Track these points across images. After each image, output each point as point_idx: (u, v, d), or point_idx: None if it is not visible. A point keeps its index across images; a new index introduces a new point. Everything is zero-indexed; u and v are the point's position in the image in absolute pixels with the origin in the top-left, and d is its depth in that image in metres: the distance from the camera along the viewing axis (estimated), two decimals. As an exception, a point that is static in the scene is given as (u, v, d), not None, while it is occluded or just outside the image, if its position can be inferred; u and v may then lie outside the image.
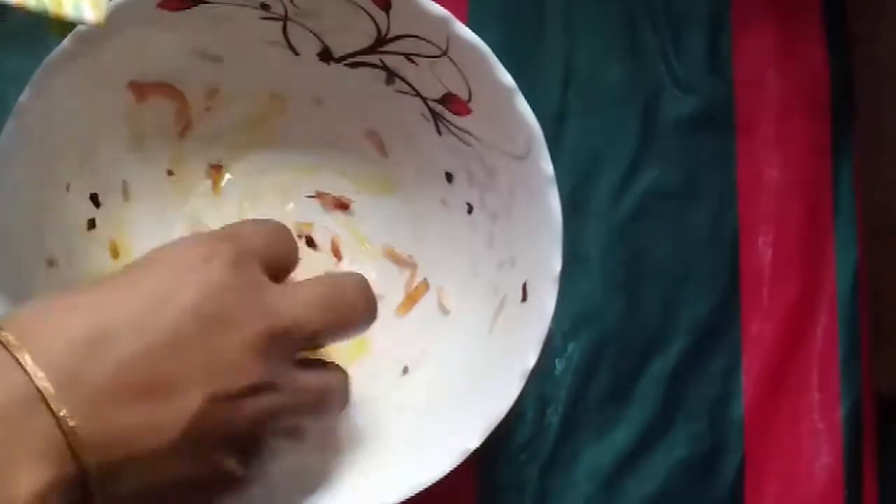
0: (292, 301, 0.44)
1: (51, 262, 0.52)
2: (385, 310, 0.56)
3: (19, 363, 0.38)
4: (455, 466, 0.48)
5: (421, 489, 0.48)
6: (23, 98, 0.49)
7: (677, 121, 0.60)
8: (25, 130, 0.49)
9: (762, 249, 0.60)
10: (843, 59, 0.61)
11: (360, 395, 0.53)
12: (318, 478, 0.51)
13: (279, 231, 0.48)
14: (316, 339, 0.46)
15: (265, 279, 0.45)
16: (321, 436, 0.52)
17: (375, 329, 0.51)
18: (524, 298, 0.50)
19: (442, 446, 0.49)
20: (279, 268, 0.47)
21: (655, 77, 0.60)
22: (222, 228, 0.48)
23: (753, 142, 0.60)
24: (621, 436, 0.58)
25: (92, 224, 0.54)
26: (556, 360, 0.58)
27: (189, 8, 0.50)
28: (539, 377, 0.57)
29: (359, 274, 0.49)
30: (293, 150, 0.56)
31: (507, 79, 0.49)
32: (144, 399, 0.40)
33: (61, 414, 0.38)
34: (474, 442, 0.48)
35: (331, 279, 0.48)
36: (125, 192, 0.55)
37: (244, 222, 0.50)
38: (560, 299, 0.49)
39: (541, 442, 0.57)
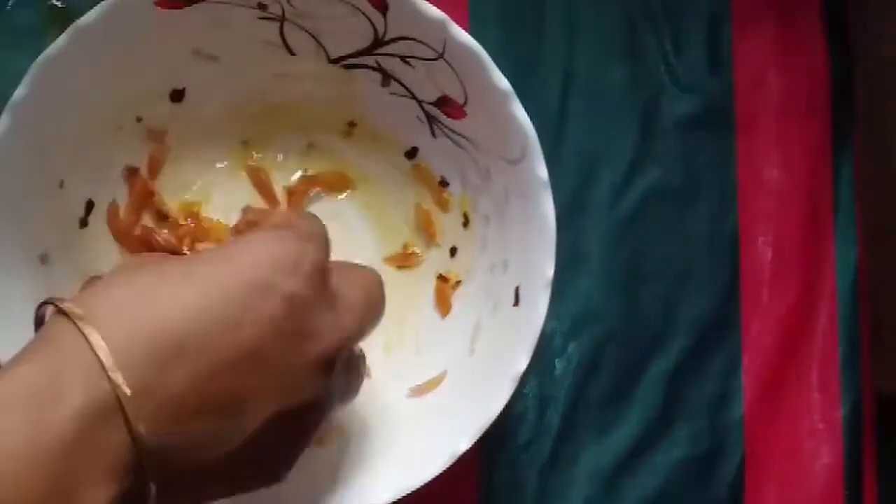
0: (348, 311, 0.44)
1: (43, 259, 0.52)
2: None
3: (102, 365, 0.36)
4: (446, 468, 0.48)
5: (411, 490, 0.48)
6: (17, 93, 0.48)
7: (677, 121, 0.60)
8: (19, 126, 0.49)
9: (762, 249, 0.60)
10: (843, 59, 0.60)
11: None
12: (312, 478, 0.51)
13: (325, 232, 0.46)
14: (357, 342, 0.46)
15: (329, 287, 0.43)
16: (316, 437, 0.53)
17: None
18: (516, 303, 0.50)
19: (433, 448, 0.49)
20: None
21: (655, 77, 0.60)
22: (299, 217, 0.46)
23: (753, 142, 0.60)
24: (621, 436, 0.58)
25: (84, 221, 0.54)
26: (556, 360, 0.58)
27: (186, 7, 0.50)
28: (539, 377, 0.57)
29: (374, 271, 0.48)
30: (288, 150, 0.56)
31: (503, 82, 0.49)
32: (214, 413, 0.39)
33: (139, 430, 0.36)
34: (464, 444, 0.48)
35: (361, 282, 0.46)
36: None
37: (309, 218, 0.46)
38: (560, 299, 0.49)
39: (541, 442, 0.58)
